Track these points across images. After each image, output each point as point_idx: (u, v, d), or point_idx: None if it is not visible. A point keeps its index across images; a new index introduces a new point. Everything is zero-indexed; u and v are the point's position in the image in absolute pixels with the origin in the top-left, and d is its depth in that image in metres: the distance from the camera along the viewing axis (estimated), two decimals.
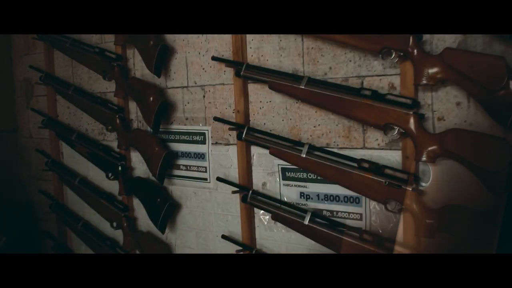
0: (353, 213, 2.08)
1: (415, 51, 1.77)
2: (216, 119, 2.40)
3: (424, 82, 1.75)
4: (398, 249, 1.89)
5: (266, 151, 2.21)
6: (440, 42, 1.80)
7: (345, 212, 2.10)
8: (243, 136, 2.27)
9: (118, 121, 2.83)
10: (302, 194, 2.22)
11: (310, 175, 2.18)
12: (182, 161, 2.67)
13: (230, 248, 2.43)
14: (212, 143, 2.52)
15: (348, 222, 2.08)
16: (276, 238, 2.34)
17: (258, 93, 2.30)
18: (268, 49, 2.26)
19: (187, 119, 2.61)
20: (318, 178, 2.14)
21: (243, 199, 2.31)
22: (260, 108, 2.31)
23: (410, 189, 1.82)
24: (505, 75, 1.59)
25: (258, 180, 2.36)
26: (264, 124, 2.30)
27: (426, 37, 1.82)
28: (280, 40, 2.21)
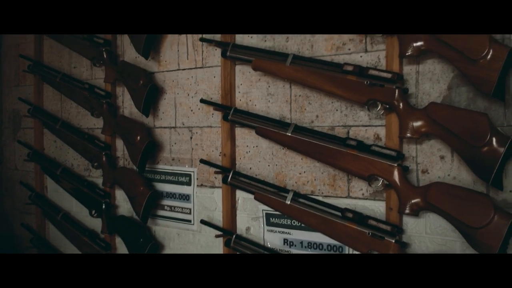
0: None
1: (401, 104, 1.79)
2: (202, 161, 2.40)
3: (409, 135, 1.77)
4: None
5: (251, 196, 2.20)
6: (425, 96, 1.83)
7: None
8: (229, 180, 2.26)
9: (104, 158, 2.82)
10: (285, 241, 2.21)
11: (294, 222, 2.17)
12: (166, 202, 2.65)
13: None
14: (197, 185, 2.52)
15: None
16: None
17: (245, 137, 2.31)
18: (256, 94, 2.27)
19: (173, 159, 2.61)
20: (302, 225, 2.13)
21: (227, 243, 2.29)
22: (247, 152, 2.31)
23: (393, 241, 1.81)
24: (488, 132, 1.61)
25: (242, 224, 2.34)
26: (250, 168, 2.30)
27: (412, 90, 1.84)
28: (269, 86, 2.23)
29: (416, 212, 1.78)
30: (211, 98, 2.43)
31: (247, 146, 2.31)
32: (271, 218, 2.25)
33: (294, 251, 2.18)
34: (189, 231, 2.57)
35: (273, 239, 2.25)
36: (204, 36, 2.42)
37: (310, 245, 2.13)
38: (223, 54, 2.27)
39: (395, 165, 1.81)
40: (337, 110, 2.05)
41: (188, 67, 2.53)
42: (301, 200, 2.07)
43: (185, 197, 2.57)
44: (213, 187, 2.46)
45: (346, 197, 2.04)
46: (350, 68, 1.89)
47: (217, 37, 2.37)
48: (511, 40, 1.67)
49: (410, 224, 1.88)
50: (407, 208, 1.79)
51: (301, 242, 2.16)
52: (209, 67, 2.44)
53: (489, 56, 1.60)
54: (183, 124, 2.56)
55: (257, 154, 2.29)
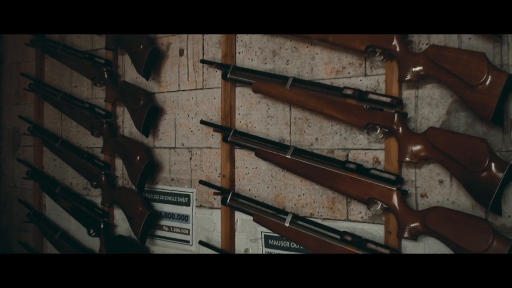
0: None
1: (400, 128, 1.80)
2: (201, 182, 2.40)
3: (408, 159, 1.78)
4: None
5: (250, 217, 2.20)
6: (424, 120, 1.84)
7: None
8: (228, 201, 2.26)
9: (103, 177, 2.82)
10: None
11: (293, 244, 2.17)
12: (165, 222, 2.65)
13: None
14: (196, 206, 2.51)
15: None
16: None
17: (245, 159, 2.32)
18: (256, 116, 2.29)
19: (172, 180, 2.61)
20: (301, 247, 2.13)
21: None
22: (246, 174, 2.32)
23: None
24: (487, 157, 1.62)
25: (240, 246, 2.34)
26: (249, 190, 2.30)
27: (411, 114, 1.85)
28: (269, 108, 2.24)
29: (414, 236, 1.78)
30: (211, 120, 2.44)
31: (247, 167, 2.32)
32: (269, 240, 2.25)
33: None
34: (187, 252, 2.56)
35: None
36: (205, 50, 2.44)
37: None
38: (224, 76, 2.28)
39: (394, 189, 1.82)
40: (336, 133, 2.05)
41: (189, 88, 2.54)
42: (300, 222, 2.07)
43: (184, 218, 2.56)
44: (212, 208, 2.45)
45: (345, 220, 2.04)
46: (349, 92, 1.90)
47: (218, 58, 2.39)
48: (509, 66, 1.68)
49: (409, 248, 1.88)
50: (406, 232, 1.79)
51: None
52: (209, 88, 2.46)
53: (487, 82, 1.61)
54: (183, 145, 2.57)
55: (256, 176, 2.29)
